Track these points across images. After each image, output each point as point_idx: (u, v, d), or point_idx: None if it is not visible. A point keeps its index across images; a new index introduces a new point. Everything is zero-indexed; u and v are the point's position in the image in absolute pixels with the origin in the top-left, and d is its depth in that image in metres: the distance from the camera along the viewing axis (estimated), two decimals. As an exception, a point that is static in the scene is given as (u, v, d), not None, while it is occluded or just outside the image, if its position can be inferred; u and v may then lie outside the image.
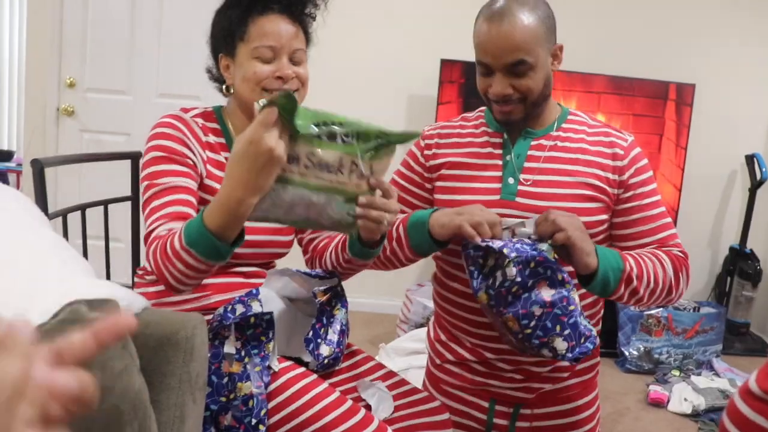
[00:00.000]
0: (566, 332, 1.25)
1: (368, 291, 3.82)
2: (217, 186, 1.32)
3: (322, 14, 1.42)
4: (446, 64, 3.43)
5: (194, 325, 0.95)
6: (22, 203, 0.99)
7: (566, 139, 1.47)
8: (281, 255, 1.48)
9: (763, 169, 3.60)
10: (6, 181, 4.95)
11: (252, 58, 1.33)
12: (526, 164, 1.45)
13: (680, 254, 1.44)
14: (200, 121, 1.37)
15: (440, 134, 1.55)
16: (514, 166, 1.45)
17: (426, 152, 1.54)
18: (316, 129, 1.05)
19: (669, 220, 1.48)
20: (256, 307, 1.25)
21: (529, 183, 1.43)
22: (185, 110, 1.39)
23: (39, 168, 1.34)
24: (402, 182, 1.58)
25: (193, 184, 1.30)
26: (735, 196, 3.85)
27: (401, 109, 3.72)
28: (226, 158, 1.35)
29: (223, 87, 1.42)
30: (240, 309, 1.25)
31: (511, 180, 1.44)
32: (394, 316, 3.54)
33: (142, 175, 1.30)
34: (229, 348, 1.22)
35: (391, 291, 3.75)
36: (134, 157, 1.74)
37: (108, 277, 1.62)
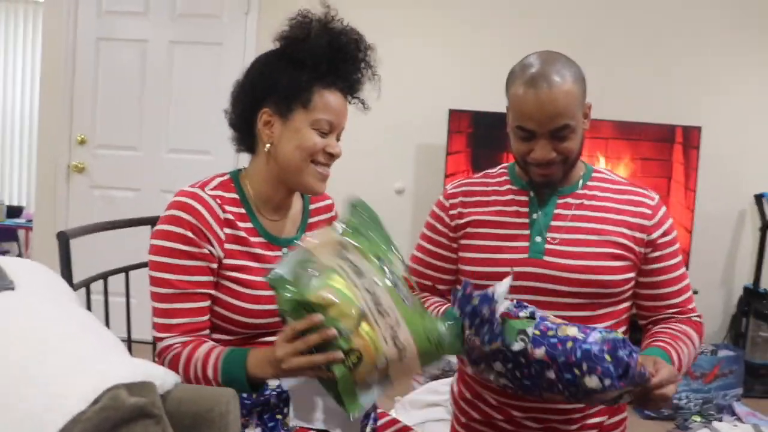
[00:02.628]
0: (584, 367, 1.16)
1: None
2: (235, 263, 1.30)
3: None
4: (454, 114, 3.47)
5: (227, 400, 0.94)
6: (51, 279, 0.99)
7: (593, 198, 1.47)
8: None
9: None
10: (15, 237, 4.97)
11: (311, 129, 1.31)
12: (553, 223, 1.44)
13: (698, 320, 1.48)
14: (219, 194, 1.32)
15: (465, 192, 1.54)
16: (541, 224, 1.45)
17: (451, 212, 1.54)
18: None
19: (688, 283, 1.50)
20: (272, 383, 1.25)
21: (556, 242, 1.43)
22: (204, 184, 1.34)
23: (65, 240, 1.34)
24: (429, 246, 1.57)
25: (206, 280, 1.28)
26: (746, 235, 3.84)
27: (410, 159, 3.75)
28: (245, 230, 1.32)
29: (248, 142, 1.38)
30: None
31: (538, 239, 1.44)
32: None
33: (150, 260, 1.27)
34: None
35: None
36: (155, 223, 1.75)
37: (129, 334, 1.60)
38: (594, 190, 1.48)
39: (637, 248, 1.44)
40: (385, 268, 1.13)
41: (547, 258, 1.42)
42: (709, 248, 3.76)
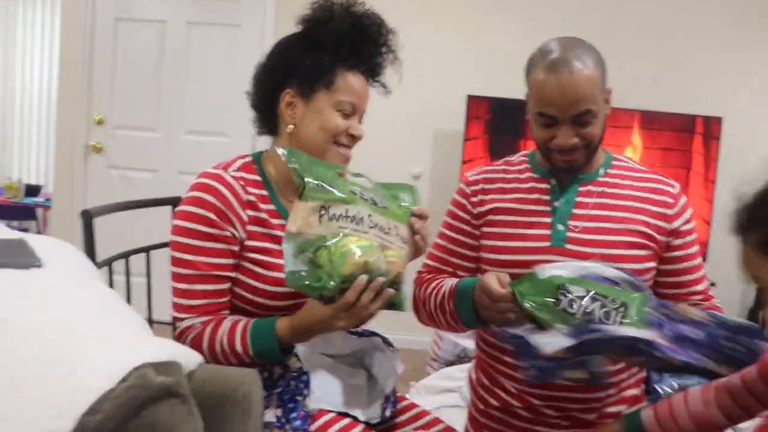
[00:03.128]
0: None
1: (396, 327, 3.77)
2: (257, 245, 1.30)
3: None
4: (473, 100, 3.45)
5: (251, 381, 0.94)
6: (77, 259, 1.00)
7: (614, 186, 1.46)
8: None
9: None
10: (33, 216, 5.01)
11: (334, 109, 1.32)
12: (575, 210, 1.43)
13: (720, 307, 1.47)
14: (242, 175, 1.32)
15: (485, 179, 1.53)
16: (563, 212, 1.44)
17: (473, 199, 1.52)
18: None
19: (705, 270, 1.51)
20: (293, 364, 1.25)
21: (578, 230, 1.42)
22: (227, 165, 1.34)
23: (88, 218, 1.35)
24: (451, 233, 1.56)
25: (227, 263, 1.28)
26: (765, 228, 3.80)
27: (428, 145, 3.74)
28: (267, 212, 1.32)
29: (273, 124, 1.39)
30: (278, 370, 1.27)
31: (560, 227, 1.43)
32: (424, 352, 3.50)
33: (172, 240, 1.28)
34: (270, 416, 1.22)
35: (420, 327, 3.71)
36: (175, 203, 1.75)
37: (150, 314, 1.61)
38: (615, 178, 1.47)
39: (659, 237, 1.43)
40: (361, 195, 1.20)
41: (569, 246, 1.41)
42: (728, 240, 3.65)
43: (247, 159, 1.37)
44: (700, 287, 1.48)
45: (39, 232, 4.96)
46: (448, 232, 1.56)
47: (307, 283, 1.12)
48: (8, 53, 5.57)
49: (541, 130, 1.39)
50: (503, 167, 1.55)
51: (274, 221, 1.33)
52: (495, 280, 1.28)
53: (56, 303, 0.80)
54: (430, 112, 3.69)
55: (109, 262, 1.45)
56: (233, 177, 1.30)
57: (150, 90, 3.91)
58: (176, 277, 1.27)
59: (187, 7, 3.88)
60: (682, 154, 3.49)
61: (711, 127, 3.44)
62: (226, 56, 3.81)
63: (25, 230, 5.08)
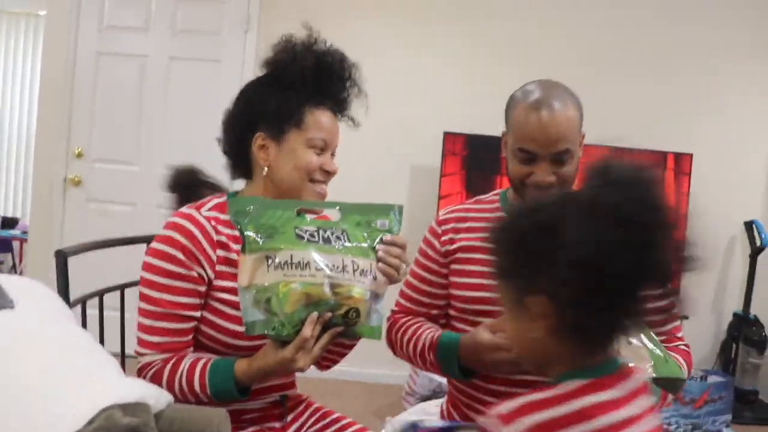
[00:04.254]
0: None
1: (371, 361, 3.78)
2: (225, 285, 1.31)
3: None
4: (449, 137, 3.51)
5: (219, 421, 0.95)
6: (49, 298, 1.01)
7: None
8: None
9: (763, 236, 3.64)
10: (10, 248, 4.96)
11: (306, 147, 1.34)
12: None
13: (686, 349, 1.50)
14: (215, 215, 1.33)
15: (457, 218, 1.56)
16: None
17: (443, 238, 1.55)
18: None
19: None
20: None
21: None
22: (200, 205, 1.36)
23: (63, 259, 1.36)
24: (421, 272, 1.58)
25: (192, 302, 1.29)
26: (735, 262, 3.87)
27: (405, 180, 3.78)
28: (237, 252, 1.31)
29: (242, 167, 1.40)
30: None
31: None
32: (399, 386, 3.51)
33: (141, 275, 1.30)
34: None
35: (395, 361, 3.72)
36: (150, 242, 1.76)
37: (123, 348, 1.61)
38: None
39: None
40: (310, 238, 1.21)
41: None
42: (699, 273, 3.78)
43: (222, 199, 1.39)
44: (663, 329, 1.48)
45: (14, 265, 4.92)
46: (418, 270, 1.59)
47: (265, 332, 1.16)
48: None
49: (520, 166, 1.42)
50: (474, 206, 1.58)
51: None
52: (486, 332, 1.32)
53: (27, 344, 0.81)
54: (407, 148, 3.75)
55: (83, 300, 1.46)
56: (205, 217, 1.31)
57: (130, 124, 3.93)
58: (141, 312, 1.29)
59: (168, 42, 3.92)
60: (654, 189, 3.56)
61: (682, 163, 3.53)
62: (206, 91, 3.84)
63: (0, 263, 5.03)
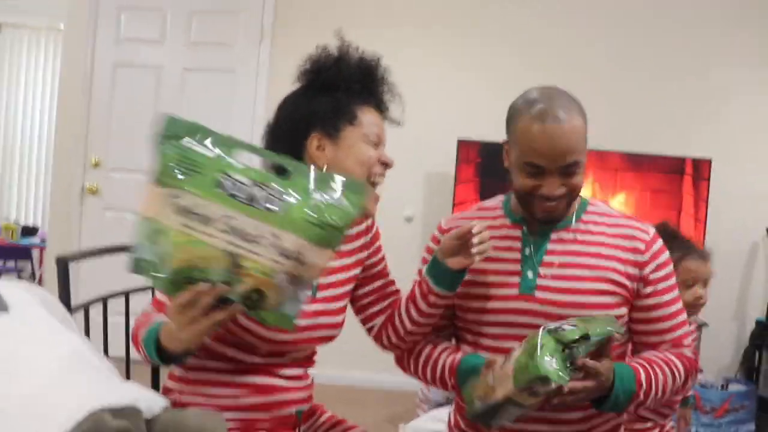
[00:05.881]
0: None
1: (386, 368, 3.77)
2: None
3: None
4: (463, 144, 3.50)
5: (215, 426, 0.94)
6: (47, 302, 1.01)
7: (586, 232, 1.45)
8: (330, 339, 1.43)
9: None
10: (28, 256, 5.03)
11: (363, 142, 1.36)
12: (546, 258, 1.43)
13: (692, 356, 1.45)
14: None
15: (459, 227, 1.51)
16: (534, 260, 1.43)
17: None
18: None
19: (684, 317, 1.48)
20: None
21: (548, 277, 1.41)
22: None
23: (63, 265, 1.37)
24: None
25: None
26: (758, 267, 3.81)
27: (419, 187, 3.78)
28: None
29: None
30: None
31: (530, 274, 1.42)
32: (413, 393, 3.48)
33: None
34: None
35: (411, 368, 3.71)
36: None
37: (128, 353, 1.61)
38: (588, 224, 1.46)
39: (629, 283, 1.42)
40: (232, 190, 1.03)
41: (538, 294, 1.40)
42: (720, 281, 3.70)
43: None
44: (671, 335, 1.45)
45: (33, 273, 4.98)
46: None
47: (144, 272, 1.05)
48: (11, 96, 5.67)
49: (527, 179, 1.37)
50: (477, 213, 1.55)
51: None
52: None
53: (16, 348, 0.81)
54: (422, 156, 3.74)
55: (85, 306, 1.46)
56: None
57: (146, 133, 3.94)
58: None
59: (183, 54, 3.96)
60: (672, 195, 3.52)
61: (700, 168, 3.48)
62: (221, 101, 3.88)
63: (20, 271, 5.10)
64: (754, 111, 3.74)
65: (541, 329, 1.23)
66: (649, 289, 1.43)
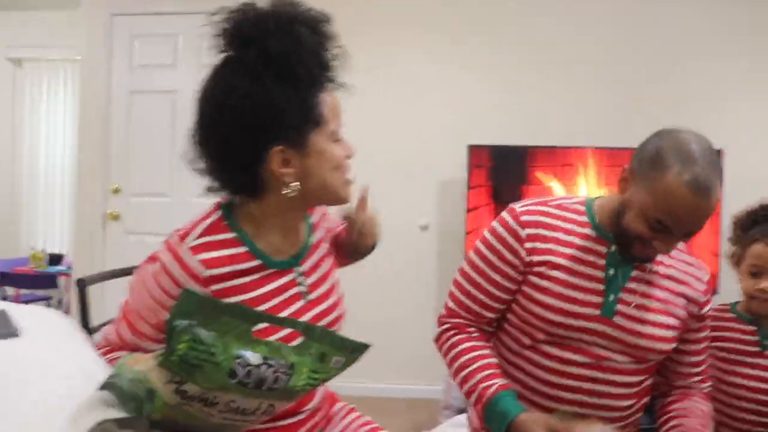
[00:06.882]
0: None
1: (409, 376, 3.80)
2: (237, 299, 1.16)
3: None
4: (474, 150, 3.52)
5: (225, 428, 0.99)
6: (60, 325, 1.07)
7: (661, 264, 1.44)
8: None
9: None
10: (55, 284, 5.14)
11: (331, 142, 1.17)
12: (629, 284, 1.40)
13: (709, 390, 1.53)
14: (206, 240, 1.16)
15: (543, 224, 1.42)
16: (618, 283, 1.40)
17: (527, 245, 1.41)
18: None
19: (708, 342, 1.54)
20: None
21: (629, 304, 1.40)
22: (183, 236, 1.17)
23: (82, 286, 1.43)
24: (492, 274, 1.44)
25: (153, 346, 1.13)
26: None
27: (432, 193, 3.81)
28: (242, 271, 1.17)
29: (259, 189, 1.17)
30: None
31: (612, 297, 1.39)
32: (436, 401, 3.50)
33: (131, 286, 1.20)
34: None
35: (433, 376, 3.72)
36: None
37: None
38: (663, 256, 1.45)
39: (687, 319, 1.45)
40: (244, 375, 0.92)
41: (617, 319, 1.39)
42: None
43: (214, 217, 1.21)
44: (700, 368, 1.50)
45: (60, 300, 5.09)
46: (489, 271, 1.44)
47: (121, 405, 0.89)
48: (33, 128, 5.82)
49: (646, 229, 1.30)
50: (559, 212, 1.44)
51: (245, 265, 1.18)
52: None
53: (27, 371, 0.86)
54: (433, 163, 3.78)
55: (105, 324, 1.52)
56: (190, 254, 1.14)
57: (163, 157, 4.06)
58: (124, 309, 1.20)
59: (196, 77, 3.99)
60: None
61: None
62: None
63: (48, 298, 5.21)
64: (759, 104, 3.71)
65: None
66: (698, 324, 1.47)
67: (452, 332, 1.48)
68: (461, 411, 3.11)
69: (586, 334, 1.39)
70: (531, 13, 3.81)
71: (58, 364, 0.92)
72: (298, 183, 1.15)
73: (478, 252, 1.46)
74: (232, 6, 1.13)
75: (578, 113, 3.71)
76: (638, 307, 1.40)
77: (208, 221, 1.20)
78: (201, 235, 1.17)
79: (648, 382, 1.49)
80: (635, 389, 1.45)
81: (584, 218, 1.43)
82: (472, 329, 1.49)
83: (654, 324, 1.40)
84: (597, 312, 1.38)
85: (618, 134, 3.60)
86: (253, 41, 1.11)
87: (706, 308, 1.46)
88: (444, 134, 3.77)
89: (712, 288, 1.49)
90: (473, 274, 1.46)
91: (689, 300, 1.44)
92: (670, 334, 1.41)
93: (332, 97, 1.17)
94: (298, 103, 1.11)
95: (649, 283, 1.42)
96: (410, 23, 3.85)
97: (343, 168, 1.19)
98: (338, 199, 1.23)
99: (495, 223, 1.45)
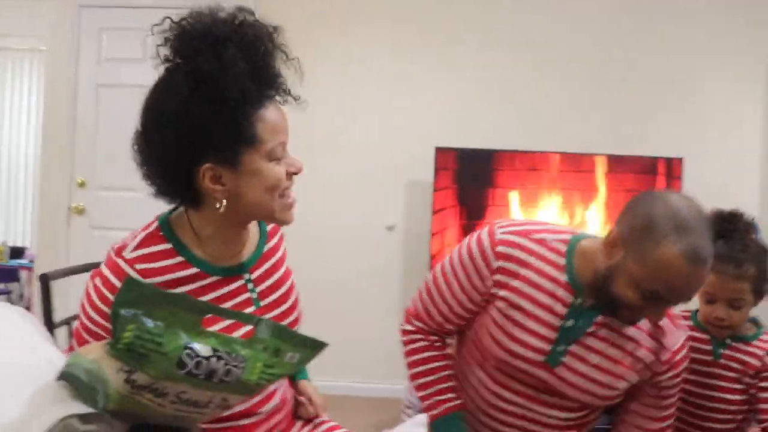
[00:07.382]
0: None
1: (372, 376, 3.83)
2: None
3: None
4: (440, 152, 3.57)
5: (185, 428, 1.00)
6: (27, 322, 1.07)
7: (623, 325, 1.39)
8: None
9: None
10: (17, 278, 5.06)
11: (268, 161, 1.15)
12: (583, 339, 1.37)
13: None
14: (142, 253, 1.18)
15: (519, 260, 1.38)
16: (571, 335, 1.37)
17: (496, 276, 1.39)
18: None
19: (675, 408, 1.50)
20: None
21: (576, 357, 1.38)
22: (120, 248, 1.19)
23: (45, 282, 1.43)
24: (460, 286, 1.44)
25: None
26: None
27: (399, 194, 3.84)
28: (182, 279, 1.19)
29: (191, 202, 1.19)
30: None
31: (561, 347, 1.37)
32: (400, 400, 3.54)
33: (83, 298, 1.20)
34: None
35: (396, 375, 3.76)
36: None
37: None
38: None
39: (638, 381, 1.42)
40: (193, 366, 0.91)
41: (558, 370, 1.38)
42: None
43: (151, 228, 1.23)
44: (667, 411, 1.47)
45: (21, 294, 5.01)
46: (455, 287, 1.45)
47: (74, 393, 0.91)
48: (-4, 118, 5.73)
49: (635, 297, 1.26)
50: (538, 248, 1.39)
51: (182, 273, 1.19)
52: None
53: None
54: (401, 164, 3.82)
55: (68, 322, 1.52)
56: (130, 265, 1.16)
57: (130, 152, 4.01)
58: (75, 335, 1.20)
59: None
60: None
61: (672, 167, 3.56)
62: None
63: (9, 292, 5.13)
64: (724, 106, 3.82)
65: None
66: (654, 390, 1.44)
67: (417, 336, 1.54)
68: (423, 410, 3.15)
69: (526, 375, 1.41)
70: (501, 18, 3.86)
71: (19, 357, 0.92)
72: (225, 201, 1.15)
73: (451, 263, 1.46)
74: (177, 16, 1.14)
75: (545, 118, 3.78)
76: (590, 363, 1.37)
77: (145, 233, 1.22)
78: (137, 247, 1.19)
79: (594, 414, 1.50)
80: (578, 421, 1.47)
81: (562, 261, 1.38)
82: (434, 338, 1.54)
83: (598, 383, 1.38)
84: (541, 358, 1.37)
85: (580, 140, 3.69)
86: (184, 59, 1.12)
87: (662, 377, 1.40)
88: (412, 136, 3.81)
89: (683, 360, 1.42)
90: (441, 284, 1.47)
91: (645, 365, 1.39)
92: (613, 393, 1.40)
93: (276, 113, 1.16)
94: (227, 123, 1.10)
95: (607, 341, 1.38)
96: (378, 23, 3.88)
97: (279, 188, 1.17)
98: (274, 220, 1.23)
99: (473, 241, 1.42)
